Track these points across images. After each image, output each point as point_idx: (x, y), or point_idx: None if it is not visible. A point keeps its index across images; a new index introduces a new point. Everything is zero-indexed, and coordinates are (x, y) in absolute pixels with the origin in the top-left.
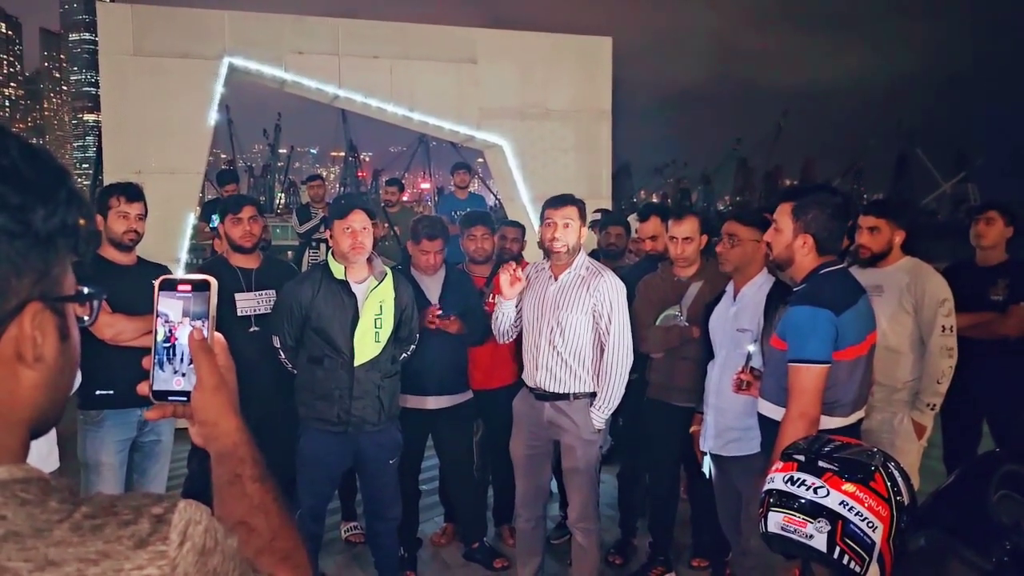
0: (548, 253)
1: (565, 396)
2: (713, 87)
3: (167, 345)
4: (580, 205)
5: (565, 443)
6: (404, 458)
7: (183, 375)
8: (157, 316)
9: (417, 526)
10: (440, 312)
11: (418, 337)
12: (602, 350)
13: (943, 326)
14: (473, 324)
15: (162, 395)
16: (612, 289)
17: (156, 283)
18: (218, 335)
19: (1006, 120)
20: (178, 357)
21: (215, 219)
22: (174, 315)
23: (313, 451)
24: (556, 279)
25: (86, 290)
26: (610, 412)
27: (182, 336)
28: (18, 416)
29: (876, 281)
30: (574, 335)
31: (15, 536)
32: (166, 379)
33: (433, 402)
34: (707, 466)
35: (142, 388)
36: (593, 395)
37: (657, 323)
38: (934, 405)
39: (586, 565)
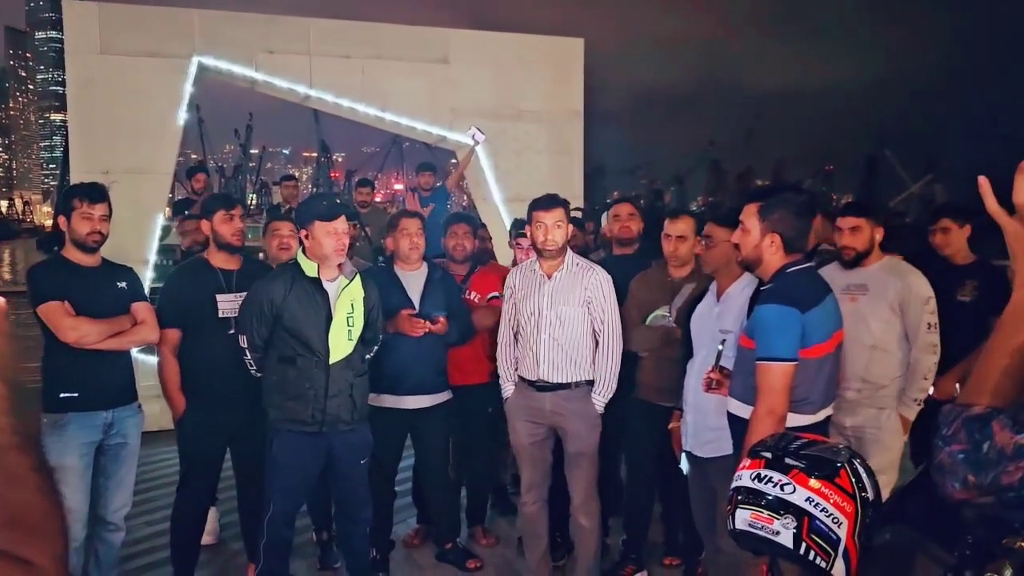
0: (540, 252)
1: (567, 385)
2: (686, 90)
3: None
4: (566, 205)
5: (571, 429)
6: (381, 459)
7: None
8: None
9: (391, 528)
10: (414, 313)
11: (381, 339)
12: (596, 340)
13: (928, 323)
14: (454, 324)
15: None
16: (604, 282)
17: None
18: None
19: (973, 122)
20: None
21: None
22: None
23: (287, 454)
24: (550, 277)
25: None
26: (609, 396)
27: None
28: None
29: (860, 281)
30: (572, 326)
31: None
32: None
33: (412, 401)
34: (684, 464)
35: None
36: (590, 383)
37: (647, 323)
38: (920, 400)
39: (589, 546)
